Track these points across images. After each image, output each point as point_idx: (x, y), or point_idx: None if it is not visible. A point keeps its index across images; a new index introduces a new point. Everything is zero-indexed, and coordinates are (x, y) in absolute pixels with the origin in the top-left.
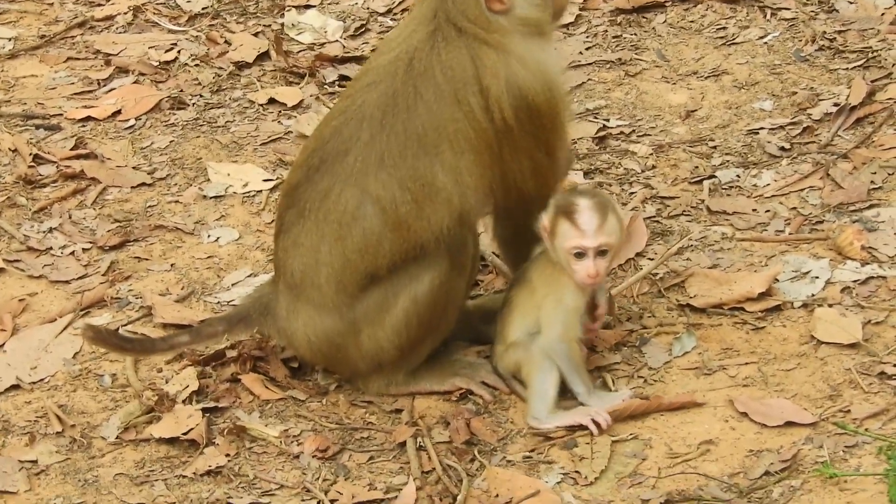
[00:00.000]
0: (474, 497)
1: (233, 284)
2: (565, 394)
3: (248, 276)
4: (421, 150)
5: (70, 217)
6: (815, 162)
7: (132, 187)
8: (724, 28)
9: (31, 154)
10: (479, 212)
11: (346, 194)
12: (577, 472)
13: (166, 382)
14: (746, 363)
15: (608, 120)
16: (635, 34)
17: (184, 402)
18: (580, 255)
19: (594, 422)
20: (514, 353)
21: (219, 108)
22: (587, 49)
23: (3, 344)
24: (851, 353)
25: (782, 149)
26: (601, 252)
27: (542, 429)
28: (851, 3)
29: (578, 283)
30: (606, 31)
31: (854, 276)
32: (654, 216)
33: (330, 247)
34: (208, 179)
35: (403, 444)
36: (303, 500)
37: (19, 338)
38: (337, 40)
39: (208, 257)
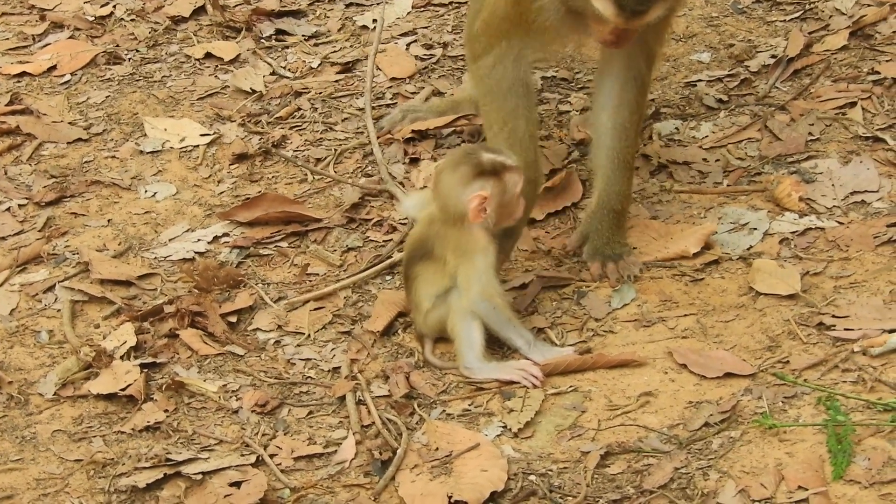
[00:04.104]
0: (414, 451)
1: (170, 240)
2: (504, 348)
3: (186, 231)
4: None
5: (6, 173)
6: (752, 114)
7: (68, 143)
8: None
9: None
10: None
11: None
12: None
13: (104, 338)
14: (685, 315)
15: (546, 71)
16: None
17: (121, 357)
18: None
19: (527, 378)
20: (434, 314)
21: (155, 62)
22: None
23: None
24: (790, 304)
25: (720, 101)
26: None
27: (475, 378)
28: None
29: (518, 217)
30: None
31: (792, 227)
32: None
33: None
34: (145, 134)
35: (343, 399)
36: (242, 455)
37: None
38: None
39: (145, 212)
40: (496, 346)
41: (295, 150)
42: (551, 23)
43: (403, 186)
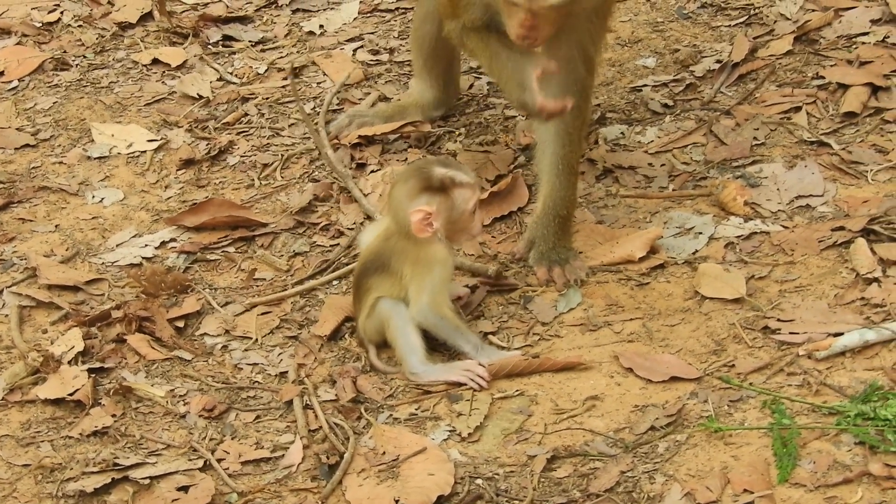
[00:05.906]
0: (361, 455)
1: (118, 245)
2: (451, 349)
3: (133, 237)
4: None
5: None
6: (698, 118)
7: (16, 149)
8: None
9: None
10: None
11: None
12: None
13: (52, 343)
14: (631, 319)
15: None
16: None
17: (69, 362)
18: (475, 207)
19: (473, 380)
20: (372, 322)
21: (102, 68)
22: None
23: None
24: (735, 307)
25: (666, 105)
26: None
27: (421, 382)
28: None
29: (476, 234)
30: None
31: (737, 231)
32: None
33: None
34: (92, 140)
35: (290, 403)
36: (189, 460)
37: None
38: (221, 0)
39: (93, 218)
40: (443, 349)
41: (242, 156)
42: (480, 19)
43: (356, 180)
